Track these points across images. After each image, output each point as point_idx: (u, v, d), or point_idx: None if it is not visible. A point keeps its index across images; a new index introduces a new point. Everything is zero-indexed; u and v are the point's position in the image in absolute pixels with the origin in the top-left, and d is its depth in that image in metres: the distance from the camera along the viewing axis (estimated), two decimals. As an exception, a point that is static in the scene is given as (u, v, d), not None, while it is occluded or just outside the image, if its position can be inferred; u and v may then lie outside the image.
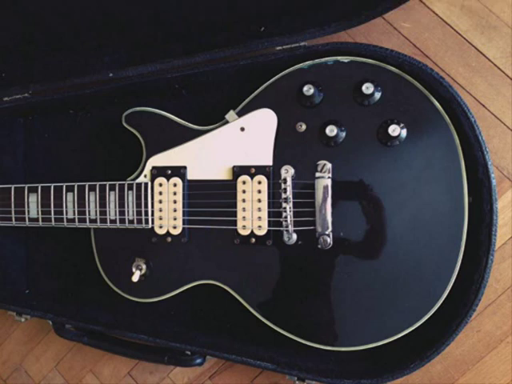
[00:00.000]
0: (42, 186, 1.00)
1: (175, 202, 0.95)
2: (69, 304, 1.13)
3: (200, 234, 0.94)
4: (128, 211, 0.96)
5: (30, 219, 1.00)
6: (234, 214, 0.92)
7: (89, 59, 1.03)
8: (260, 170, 0.91)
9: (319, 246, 0.89)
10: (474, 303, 0.88)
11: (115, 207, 0.96)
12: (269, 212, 0.91)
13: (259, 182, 0.91)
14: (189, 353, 1.03)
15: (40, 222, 1.00)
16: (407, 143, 0.86)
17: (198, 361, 1.03)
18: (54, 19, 0.99)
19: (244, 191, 0.92)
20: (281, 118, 0.90)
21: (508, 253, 0.99)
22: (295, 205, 0.89)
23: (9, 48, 1.04)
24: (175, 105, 1.05)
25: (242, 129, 0.92)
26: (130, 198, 0.96)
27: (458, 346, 1.01)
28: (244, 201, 0.92)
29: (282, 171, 0.90)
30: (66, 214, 0.98)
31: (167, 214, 0.95)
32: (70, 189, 0.98)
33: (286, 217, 0.89)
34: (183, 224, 0.94)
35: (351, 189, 0.88)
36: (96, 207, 0.97)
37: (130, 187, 0.96)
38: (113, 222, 0.97)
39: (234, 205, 0.92)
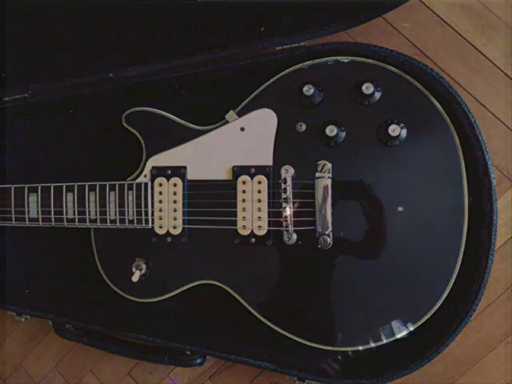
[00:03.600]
0: (41, 186, 1.00)
1: (175, 201, 0.94)
2: (69, 304, 1.12)
3: (200, 233, 0.94)
4: (128, 211, 0.96)
5: (30, 219, 1.00)
6: (234, 214, 0.92)
7: (89, 59, 1.03)
8: (260, 170, 0.91)
9: (319, 246, 0.89)
10: (474, 303, 0.88)
11: (115, 207, 0.96)
12: (269, 212, 0.91)
13: (259, 182, 0.91)
14: (189, 353, 1.03)
15: (40, 222, 1.00)
16: (407, 143, 0.86)
17: (198, 361, 1.03)
18: (54, 19, 0.99)
19: (244, 191, 0.92)
20: (281, 118, 0.90)
21: (508, 253, 0.99)
22: (295, 205, 0.89)
23: (9, 48, 1.04)
24: (175, 105, 1.05)
25: (242, 129, 0.92)
26: (130, 197, 0.96)
27: (457, 346, 1.00)
28: (244, 201, 0.91)
29: (282, 171, 0.90)
30: (66, 213, 0.98)
31: (167, 213, 0.95)
32: (69, 189, 0.98)
33: (285, 217, 0.89)
34: (183, 224, 0.94)
35: (351, 189, 0.88)
36: (96, 207, 0.97)
37: (130, 187, 0.96)
38: (113, 222, 0.97)
39: (234, 205, 0.92)
